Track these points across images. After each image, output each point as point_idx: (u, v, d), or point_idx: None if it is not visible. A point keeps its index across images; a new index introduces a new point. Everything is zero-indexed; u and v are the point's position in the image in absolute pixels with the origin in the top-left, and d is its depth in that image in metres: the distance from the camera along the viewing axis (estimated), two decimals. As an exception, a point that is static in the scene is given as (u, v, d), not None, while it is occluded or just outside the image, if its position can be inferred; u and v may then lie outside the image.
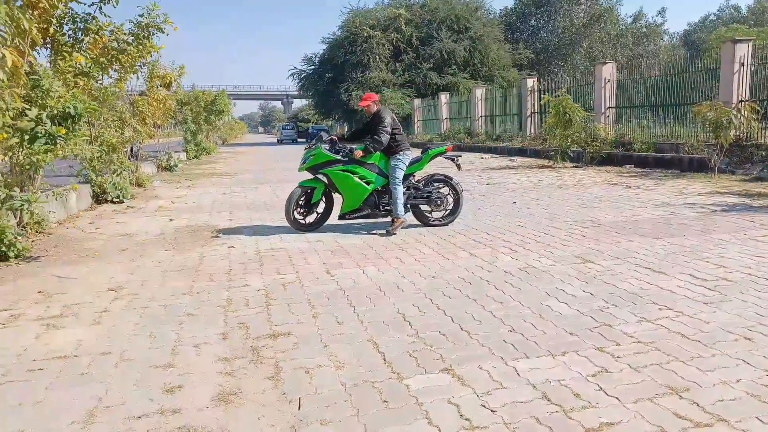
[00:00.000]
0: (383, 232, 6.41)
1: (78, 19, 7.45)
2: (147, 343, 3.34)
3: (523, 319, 3.53)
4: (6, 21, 4.87)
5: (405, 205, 6.48)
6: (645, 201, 8.24)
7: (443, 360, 2.98)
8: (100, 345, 3.32)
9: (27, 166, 5.72)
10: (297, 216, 6.52)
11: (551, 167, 14.29)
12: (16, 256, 5.34)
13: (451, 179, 6.75)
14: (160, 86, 11.75)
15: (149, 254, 5.70)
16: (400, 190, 6.38)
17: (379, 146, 6.31)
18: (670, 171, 12.14)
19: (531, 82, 22.00)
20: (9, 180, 5.66)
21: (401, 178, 6.42)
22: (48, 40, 7.36)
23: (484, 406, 2.48)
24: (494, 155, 20.05)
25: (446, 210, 6.76)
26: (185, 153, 20.08)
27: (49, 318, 3.83)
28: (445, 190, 6.76)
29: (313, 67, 45.22)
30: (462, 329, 3.41)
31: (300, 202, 6.54)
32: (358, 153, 6.33)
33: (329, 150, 6.38)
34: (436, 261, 5.10)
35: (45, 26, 6.92)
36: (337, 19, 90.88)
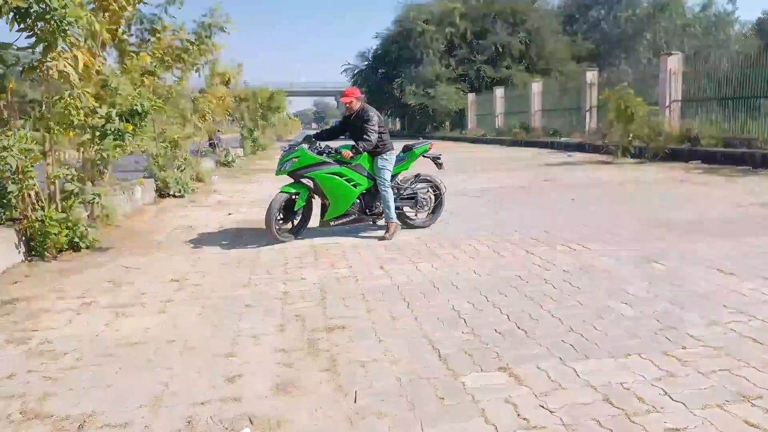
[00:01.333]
0: (381, 237, 5.99)
1: (145, 20, 7.78)
2: (209, 333, 3.45)
3: (582, 320, 3.44)
4: (82, 25, 5.12)
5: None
6: (714, 199, 7.84)
7: (499, 358, 2.94)
8: (165, 333, 3.47)
9: (98, 162, 6.03)
10: (277, 226, 5.77)
11: (611, 163, 13.81)
12: (87, 247, 5.63)
13: (434, 179, 6.48)
14: (220, 84, 12.11)
15: (209, 247, 5.89)
16: (390, 193, 6.00)
17: (369, 146, 5.83)
18: (740, 168, 11.49)
19: (591, 75, 21.32)
20: (81, 174, 5.97)
21: (389, 179, 6.05)
22: (116, 41, 7.71)
23: (543, 407, 2.43)
24: (551, 150, 19.55)
25: (429, 211, 6.50)
26: (242, 149, 20.61)
27: (118, 306, 4.02)
28: (428, 190, 6.48)
29: (366, 62, 45.53)
30: (518, 328, 3.35)
31: (281, 210, 5.83)
32: (348, 154, 5.76)
33: (311, 151, 5.81)
34: (491, 258, 5.03)
35: (114, 27, 7.25)
36: (391, 14, 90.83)
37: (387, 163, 6.01)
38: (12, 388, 2.79)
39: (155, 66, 7.77)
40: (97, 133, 5.81)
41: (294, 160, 5.69)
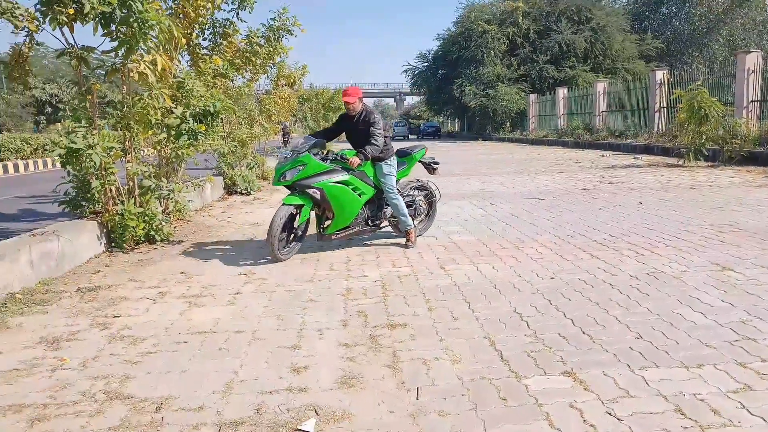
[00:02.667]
0: (404, 245, 5.72)
1: (218, 25, 8.10)
2: (275, 325, 3.58)
3: (651, 327, 3.33)
4: (161, 29, 5.41)
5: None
6: (796, 205, 7.36)
7: (564, 363, 2.89)
8: (234, 324, 3.62)
9: (173, 159, 6.35)
10: (278, 244, 5.11)
11: (682, 166, 13.21)
12: (162, 240, 5.95)
13: (429, 185, 6.19)
14: (285, 85, 12.46)
15: (274, 243, 6.07)
16: (401, 200, 5.60)
17: (376, 152, 5.35)
18: (827, 172, 10.73)
19: (660, 75, 20.47)
20: (158, 171, 6.30)
21: (395, 185, 5.63)
22: (191, 45, 8.07)
23: (610, 414, 2.38)
24: (616, 153, 18.90)
25: (423, 217, 6.20)
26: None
27: (191, 296, 4.23)
28: (423, 196, 6.15)
29: (426, 63, 45.47)
30: (584, 333, 3.28)
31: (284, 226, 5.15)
32: (355, 161, 5.20)
33: (316, 157, 5.27)
34: (555, 261, 4.94)
35: (189, 32, 7.60)
36: (452, 15, 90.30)
37: (392, 168, 5.59)
38: (96, 369, 2.99)
39: (226, 68, 8.08)
40: (173, 133, 6.12)
41: (299, 168, 5.10)
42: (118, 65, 5.54)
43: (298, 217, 5.22)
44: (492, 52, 37.11)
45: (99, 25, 5.24)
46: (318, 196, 5.13)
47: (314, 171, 5.13)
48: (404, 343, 3.23)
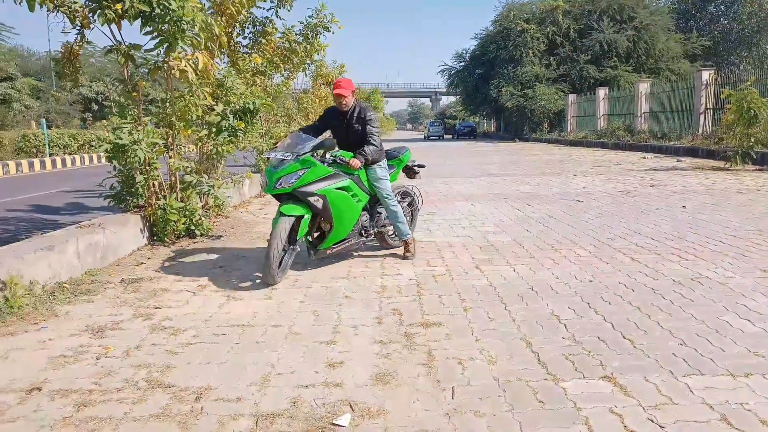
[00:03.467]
0: (402, 255, 5.17)
1: (257, 23, 8.23)
2: (311, 320, 3.61)
3: (696, 333, 3.23)
4: (202, 27, 5.53)
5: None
6: None
7: (603, 367, 2.83)
8: (271, 318, 3.67)
9: (213, 156, 6.48)
10: (276, 263, 4.30)
11: (728, 170, 12.76)
12: (201, 234, 6.07)
13: (412, 191, 5.70)
14: (323, 84, 12.55)
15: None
16: (399, 206, 5.09)
17: (375, 154, 4.80)
18: None
19: (706, 75, 19.81)
20: (198, 167, 6.44)
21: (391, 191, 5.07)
22: (230, 43, 8.22)
23: (652, 420, 2.32)
24: (658, 155, 18.39)
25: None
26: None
27: (229, 290, 4.31)
28: (407, 204, 5.62)
29: (463, 63, 45.20)
30: (624, 337, 3.21)
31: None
32: (357, 163, 4.59)
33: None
34: (594, 264, 4.84)
35: (229, 30, 7.74)
36: (490, 14, 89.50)
37: (386, 172, 5.04)
38: (139, 358, 3.08)
39: (265, 66, 8.20)
40: (213, 130, 6.24)
41: (300, 173, 4.36)
42: (160, 63, 5.68)
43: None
44: (531, 51, 36.61)
45: (142, 24, 5.38)
46: (320, 204, 4.43)
47: (316, 176, 4.42)
48: (439, 342, 3.22)
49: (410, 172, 5.69)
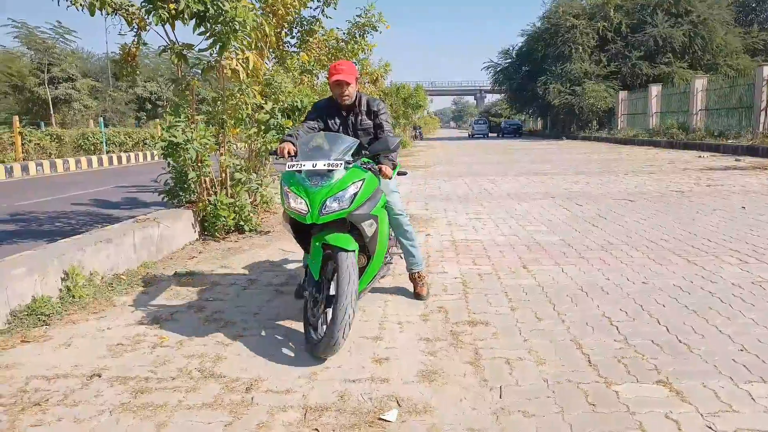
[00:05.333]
0: (416, 294, 3.99)
1: (305, 23, 8.33)
2: (357, 316, 3.62)
3: (757, 339, 3.08)
4: (253, 27, 5.64)
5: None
6: None
7: (658, 371, 2.74)
8: (318, 313, 3.71)
9: (262, 153, 6.61)
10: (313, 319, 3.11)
11: (792, 169, 12.13)
12: (250, 230, 6.21)
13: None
14: (368, 83, 12.60)
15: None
16: (412, 228, 3.96)
17: (395, 159, 3.64)
18: None
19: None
20: (248, 164, 6.59)
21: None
22: (279, 42, 8.36)
23: (710, 428, 2.23)
24: (715, 154, 17.65)
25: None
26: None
27: (278, 285, 4.39)
28: None
29: (509, 60, 44.59)
30: (680, 341, 3.09)
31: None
32: (388, 171, 3.41)
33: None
34: (646, 265, 4.69)
35: (278, 30, 7.87)
36: (538, 9, 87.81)
37: (394, 182, 3.77)
38: (192, 348, 3.17)
39: (312, 65, 8.30)
40: (262, 128, 6.37)
41: (356, 189, 3.08)
42: (213, 63, 5.83)
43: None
44: (580, 47, 35.73)
45: (196, 25, 5.53)
46: (372, 231, 3.24)
47: (371, 191, 3.22)
48: (486, 341, 3.19)
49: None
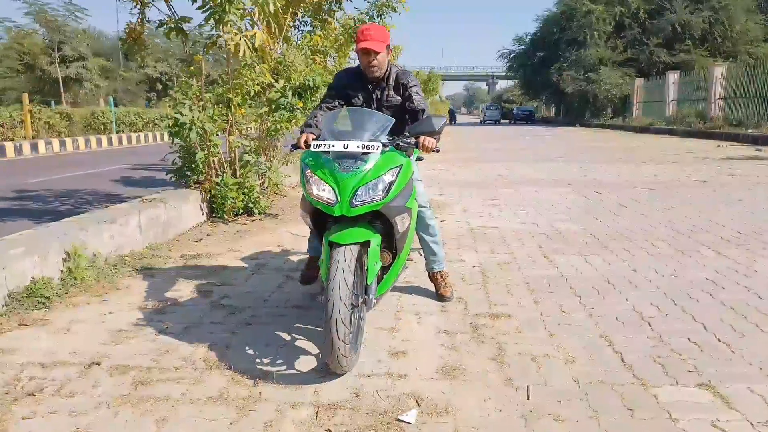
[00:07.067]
0: (440, 295, 3.55)
1: (324, 4, 8.02)
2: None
3: (804, 340, 2.86)
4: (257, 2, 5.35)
5: None
6: None
7: (698, 373, 2.53)
8: (330, 301, 3.52)
9: (272, 133, 6.39)
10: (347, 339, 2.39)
11: (816, 160, 11.76)
12: (259, 213, 6.03)
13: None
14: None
15: (368, 221, 5.98)
16: (435, 223, 3.58)
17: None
18: None
19: (792, 58, 18.33)
20: (258, 144, 6.38)
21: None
22: (295, 22, 8.06)
23: (764, 439, 2.03)
24: (734, 143, 17.23)
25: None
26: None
27: (288, 270, 4.20)
28: None
29: (523, 46, 43.93)
30: (719, 340, 2.88)
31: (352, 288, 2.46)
32: (429, 142, 2.92)
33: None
34: (675, 257, 4.46)
35: (294, 11, 7.58)
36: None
37: (417, 171, 3.34)
38: (197, 336, 3.00)
39: (325, 47, 8.02)
40: (273, 106, 6.15)
41: (392, 177, 2.66)
42: (214, 38, 5.58)
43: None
44: (596, 33, 35.00)
45: None
46: (404, 225, 2.79)
47: (407, 180, 2.81)
48: (509, 336, 2.99)
49: None
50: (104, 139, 20.26)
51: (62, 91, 28.91)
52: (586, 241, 5.06)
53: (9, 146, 15.66)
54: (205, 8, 5.24)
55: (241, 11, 5.29)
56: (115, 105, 24.70)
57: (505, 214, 6.32)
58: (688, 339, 2.90)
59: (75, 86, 30.91)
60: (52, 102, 25.38)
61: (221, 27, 5.26)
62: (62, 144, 17.94)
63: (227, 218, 5.79)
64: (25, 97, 18.02)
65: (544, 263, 4.36)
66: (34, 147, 16.63)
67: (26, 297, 3.35)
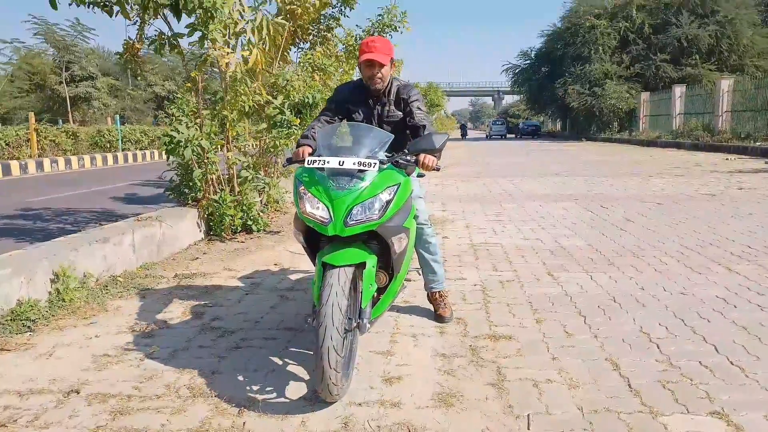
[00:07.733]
0: (438, 316, 3.41)
1: (323, 20, 8.01)
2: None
3: (823, 363, 2.70)
4: (258, 29, 5.31)
5: None
6: None
7: (710, 400, 2.38)
8: (324, 322, 3.39)
9: (271, 149, 6.32)
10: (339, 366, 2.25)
11: (827, 173, 11.56)
12: (258, 230, 5.93)
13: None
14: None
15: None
16: (436, 241, 3.47)
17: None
18: None
19: (800, 71, 18.17)
20: (257, 162, 6.30)
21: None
22: (296, 41, 8.03)
23: (784, 475, 1.87)
24: (742, 156, 17.03)
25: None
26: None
27: (283, 290, 4.09)
28: None
29: (528, 61, 43.96)
30: (732, 363, 2.72)
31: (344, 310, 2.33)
32: (430, 161, 2.82)
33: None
34: (683, 274, 4.30)
35: (294, 29, 7.55)
36: (558, 10, 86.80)
37: (418, 188, 3.30)
38: (184, 360, 2.88)
39: (324, 65, 7.97)
40: (271, 123, 6.08)
41: (389, 195, 2.54)
42: (205, 55, 5.53)
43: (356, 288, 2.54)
44: (600, 48, 34.96)
45: (173, 14, 5.18)
46: (402, 246, 2.68)
47: (405, 199, 2.70)
48: (510, 359, 2.85)
49: None
50: (110, 156, 20.34)
51: (69, 110, 29.13)
52: (591, 257, 4.91)
53: (15, 164, 15.73)
54: (189, 25, 5.21)
55: (224, 30, 5.22)
56: (123, 123, 24.86)
57: (508, 230, 6.19)
58: (699, 362, 2.75)
59: (84, 105, 31.18)
60: (60, 121, 25.57)
61: (205, 43, 5.20)
62: (68, 162, 18.01)
63: (225, 236, 5.69)
64: (31, 116, 18.13)
65: (547, 281, 4.22)
66: (40, 165, 16.70)
67: (11, 320, 3.25)
